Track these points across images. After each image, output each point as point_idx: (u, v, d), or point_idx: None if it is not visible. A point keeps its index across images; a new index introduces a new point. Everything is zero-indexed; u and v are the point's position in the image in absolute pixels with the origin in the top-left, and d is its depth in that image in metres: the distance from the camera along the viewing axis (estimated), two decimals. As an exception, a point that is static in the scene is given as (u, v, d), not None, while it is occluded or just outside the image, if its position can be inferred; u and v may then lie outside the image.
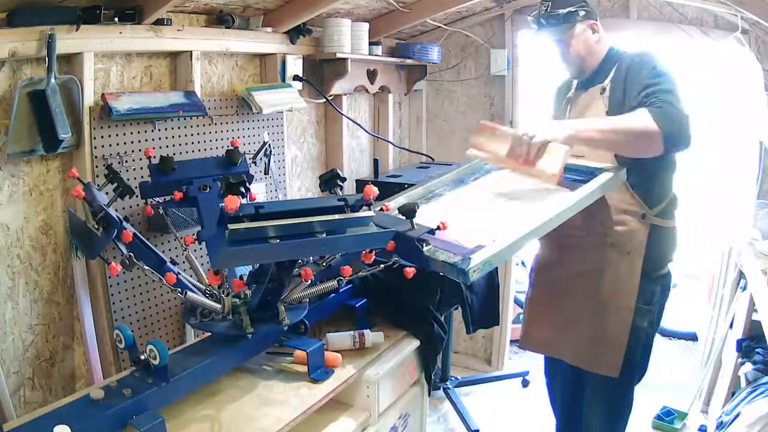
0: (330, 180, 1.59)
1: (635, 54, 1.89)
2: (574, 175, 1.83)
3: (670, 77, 1.78)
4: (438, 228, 1.56)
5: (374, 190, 1.48)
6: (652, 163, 1.80)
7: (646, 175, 1.83)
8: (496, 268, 2.18)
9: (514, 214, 1.70)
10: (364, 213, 1.42)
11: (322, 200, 1.47)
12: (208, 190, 1.70)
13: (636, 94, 1.78)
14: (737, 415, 1.97)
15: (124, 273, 1.92)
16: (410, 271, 1.52)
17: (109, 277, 1.88)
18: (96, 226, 1.47)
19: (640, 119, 1.69)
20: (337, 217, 1.37)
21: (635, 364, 1.91)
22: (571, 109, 2.03)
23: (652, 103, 1.72)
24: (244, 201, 1.84)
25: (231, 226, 1.23)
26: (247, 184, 1.44)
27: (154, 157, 1.72)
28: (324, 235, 1.34)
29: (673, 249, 1.94)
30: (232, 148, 1.84)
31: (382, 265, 1.62)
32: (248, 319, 1.53)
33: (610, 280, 1.87)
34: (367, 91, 2.94)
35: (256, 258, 1.39)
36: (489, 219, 1.72)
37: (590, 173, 1.79)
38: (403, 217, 1.60)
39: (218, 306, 1.54)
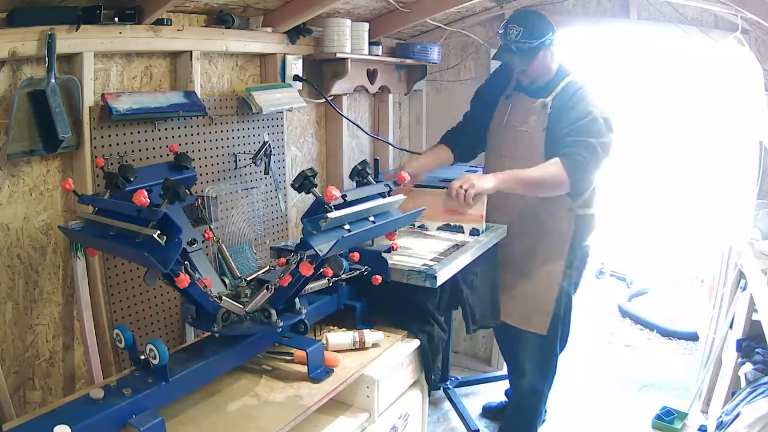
0: (362, 171, 1.80)
1: (578, 85, 2.21)
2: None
3: (597, 122, 2.14)
4: (392, 248, 1.85)
5: (407, 176, 1.81)
6: None
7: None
8: (497, 268, 2.24)
9: (430, 244, 2.14)
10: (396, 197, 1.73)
11: (376, 188, 1.73)
12: None
13: (565, 127, 2.17)
14: (737, 415, 1.96)
15: (123, 273, 1.93)
16: (378, 279, 1.72)
17: (109, 278, 1.89)
18: (161, 234, 1.28)
19: (553, 172, 2.15)
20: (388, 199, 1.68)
21: (559, 323, 2.39)
22: (512, 110, 2.35)
23: (568, 152, 2.14)
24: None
25: (330, 215, 1.41)
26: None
27: (112, 164, 1.71)
28: (373, 218, 1.57)
29: (591, 228, 2.40)
30: (179, 153, 1.78)
31: (356, 272, 1.75)
32: (275, 312, 1.55)
33: (543, 257, 2.34)
34: (367, 91, 2.94)
35: (353, 243, 1.56)
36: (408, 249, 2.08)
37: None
38: None
39: (241, 307, 1.53)
